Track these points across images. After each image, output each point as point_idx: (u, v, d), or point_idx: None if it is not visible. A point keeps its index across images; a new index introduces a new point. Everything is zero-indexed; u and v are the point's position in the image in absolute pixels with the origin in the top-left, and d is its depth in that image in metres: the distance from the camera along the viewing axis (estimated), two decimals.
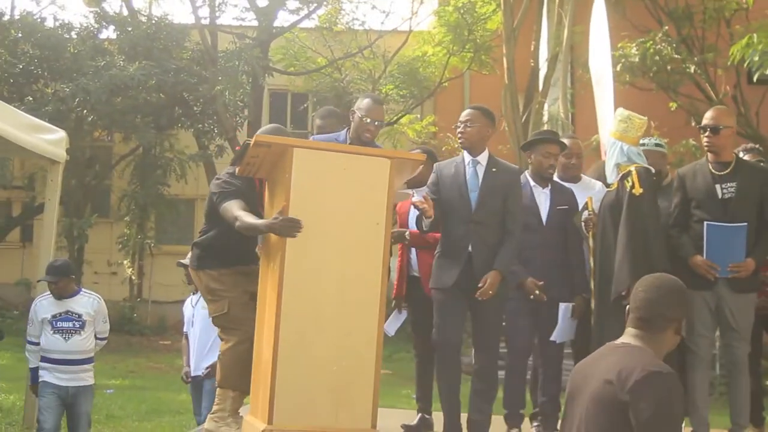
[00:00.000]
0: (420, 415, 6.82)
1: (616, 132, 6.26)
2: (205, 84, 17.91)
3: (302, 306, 4.98)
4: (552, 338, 6.33)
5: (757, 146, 7.32)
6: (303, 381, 4.94)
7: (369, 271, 5.01)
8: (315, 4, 19.71)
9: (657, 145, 6.77)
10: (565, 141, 6.83)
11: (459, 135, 6.27)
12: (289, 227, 4.99)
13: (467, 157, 6.28)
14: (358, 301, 5.00)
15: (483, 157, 6.26)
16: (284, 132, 6.11)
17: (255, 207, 5.70)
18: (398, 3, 41.98)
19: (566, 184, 6.71)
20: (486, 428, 6.15)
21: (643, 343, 3.46)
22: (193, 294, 8.36)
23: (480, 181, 6.19)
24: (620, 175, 6.12)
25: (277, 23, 19.62)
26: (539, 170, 6.51)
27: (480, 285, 5.95)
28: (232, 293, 5.87)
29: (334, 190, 5.08)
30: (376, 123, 6.10)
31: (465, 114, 6.28)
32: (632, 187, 6.00)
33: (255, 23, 19.38)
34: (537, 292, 6.24)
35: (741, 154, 6.85)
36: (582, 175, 7.05)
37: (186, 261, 8.23)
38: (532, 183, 6.51)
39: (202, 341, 8.14)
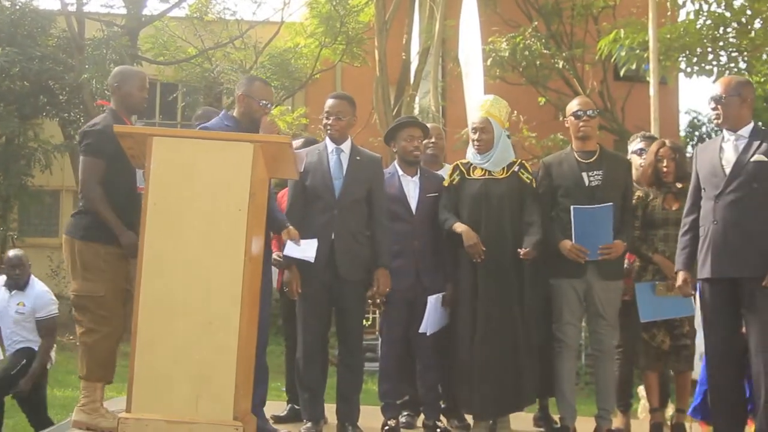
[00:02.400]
0: (290, 405, 6.81)
1: (497, 116, 6.29)
2: (71, 72, 17.49)
3: (160, 294, 4.86)
4: (421, 330, 6.27)
5: (653, 135, 7.45)
6: (162, 370, 4.82)
7: (229, 258, 4.88)
8: None
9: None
10: (428, 126, 6.82)
11: (329, 126, 6.15)
12: None
13: (330, 145, 6.22)
14: (218, 290, 4.88)
15: (346, 146, 6.22)
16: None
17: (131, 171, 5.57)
18: None
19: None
20: (355, 418, 6.12)
21: None
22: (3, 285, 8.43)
23: (344, 169, 6.14)
24: (515, 165, 6.21)
25: (146, 11, 19.31)
26: (405, 155, 6.43)
27: (374, 288, 6.10)
28: (111, 277, 5.67)
29: (195, 177, 4.95)
30: (270, 104, 6.00)
31: (334, 105, 6.19)
32: (529, 178, 6.19)
33: (123, 11, 19.01)
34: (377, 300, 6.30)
35: (638, 141, 6.98)
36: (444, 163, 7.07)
37: None
38: (400, 172, 6.45)
39: (11, 337, 8.12)
